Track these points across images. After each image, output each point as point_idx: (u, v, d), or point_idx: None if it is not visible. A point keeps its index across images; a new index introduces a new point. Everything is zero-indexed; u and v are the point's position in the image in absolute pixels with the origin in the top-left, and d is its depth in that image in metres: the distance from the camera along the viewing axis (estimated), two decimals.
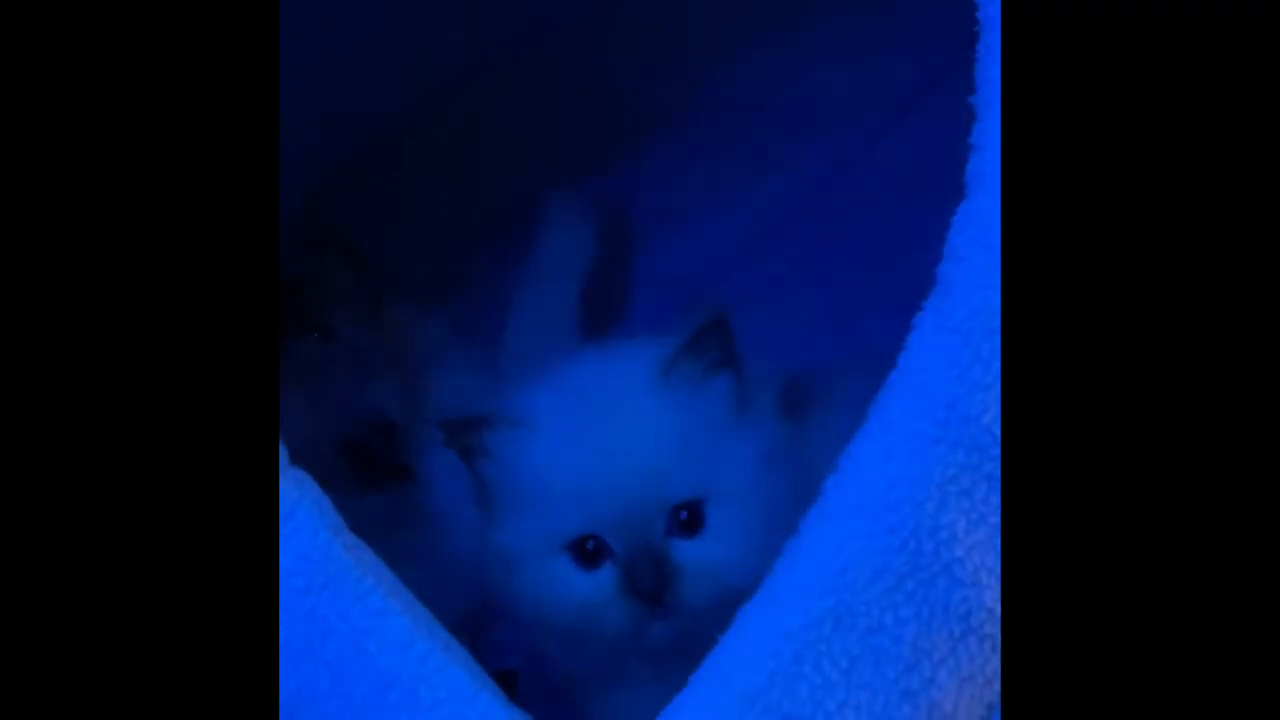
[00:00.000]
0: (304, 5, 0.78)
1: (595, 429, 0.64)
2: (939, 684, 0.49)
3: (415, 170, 0.96)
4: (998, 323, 0.49)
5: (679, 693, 0.50)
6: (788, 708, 0.48)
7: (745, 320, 0.65)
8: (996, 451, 0.48)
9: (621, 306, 1.01)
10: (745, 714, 0.48)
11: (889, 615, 0.48)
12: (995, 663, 0.49)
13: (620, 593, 0.62)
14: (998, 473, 0.49)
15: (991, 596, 0.48)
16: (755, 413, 0.66)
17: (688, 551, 0.63)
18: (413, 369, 0.87)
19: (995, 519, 0.48)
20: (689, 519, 0.63)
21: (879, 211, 0.93)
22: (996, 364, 0.49)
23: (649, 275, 1.00)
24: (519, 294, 0.94)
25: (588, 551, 0.63)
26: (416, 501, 0.83)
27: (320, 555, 0.51)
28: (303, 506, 0.52)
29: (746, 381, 0.66)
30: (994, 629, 0.48)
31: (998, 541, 0.48)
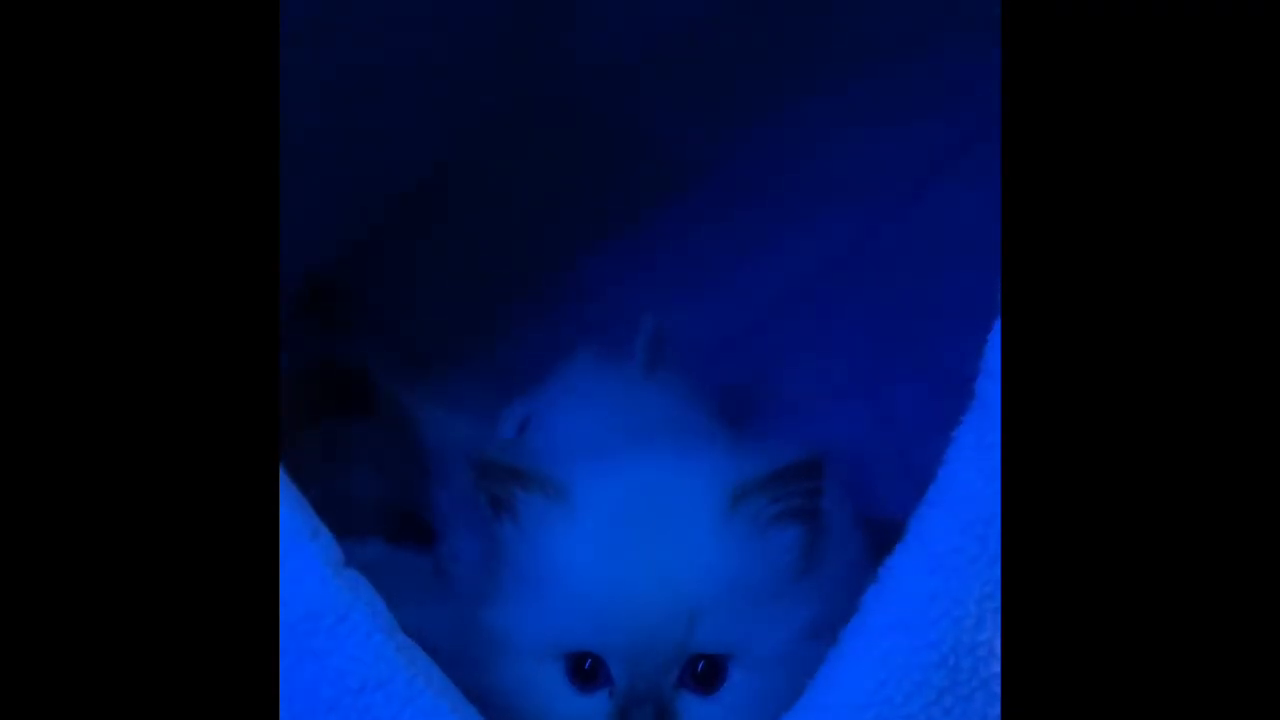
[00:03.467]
0: (342, 62, 0.80)
1: (638, 538, 0.56)
2: None
3: (446, 227, 0.97)
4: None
5: None
6: None
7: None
8: None
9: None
10: None
11: None
12: None
13: None
14: None
15: None
16: (818, 577, 0.58)
17: (695, 710, 0.56)
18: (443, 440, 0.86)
19: None
20: (706, 672, 0.56)
21: (909, 276, 0.93)
22: None
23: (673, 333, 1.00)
24: None
25: (584, 670, 0.56)
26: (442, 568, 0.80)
27: (373, 657, 0.52)
28: (356, 609, 0.52)
29: (821, 540, 0.59)
30: None
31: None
